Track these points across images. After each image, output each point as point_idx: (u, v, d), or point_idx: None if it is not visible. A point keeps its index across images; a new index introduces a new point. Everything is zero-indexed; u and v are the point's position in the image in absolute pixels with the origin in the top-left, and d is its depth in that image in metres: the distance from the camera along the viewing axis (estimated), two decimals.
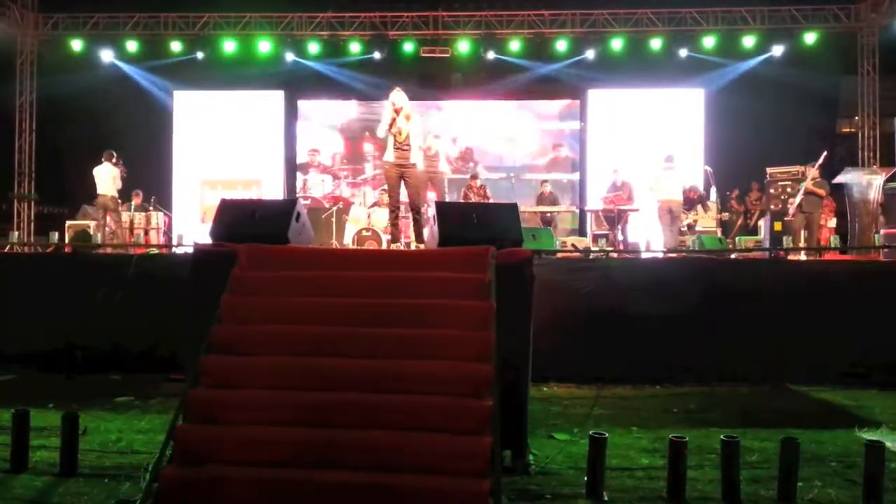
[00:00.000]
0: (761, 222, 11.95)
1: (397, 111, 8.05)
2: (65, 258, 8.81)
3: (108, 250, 9.62)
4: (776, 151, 11.43)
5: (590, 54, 13.97)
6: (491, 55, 14.07)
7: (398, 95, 8.14)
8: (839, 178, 9.88)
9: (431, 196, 12.35)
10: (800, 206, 10.01)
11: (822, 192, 10.07)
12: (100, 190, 11.21)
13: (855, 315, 6.78)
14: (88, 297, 7.09)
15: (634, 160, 13.33)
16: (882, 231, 9.23)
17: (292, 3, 14.18)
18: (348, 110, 15.22)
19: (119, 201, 11.56)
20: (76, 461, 4.36)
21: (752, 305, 6.87)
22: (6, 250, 9.88)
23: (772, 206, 10.56)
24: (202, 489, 3.59)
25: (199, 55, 14.22)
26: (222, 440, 3.79)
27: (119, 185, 11.31)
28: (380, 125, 8.23)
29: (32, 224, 14.90)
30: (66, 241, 10.90)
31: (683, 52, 13.75)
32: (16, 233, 13.16)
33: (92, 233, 10.78)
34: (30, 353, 7.14)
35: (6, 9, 13.79)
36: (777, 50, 13.51)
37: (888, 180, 9.94)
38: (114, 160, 11.29)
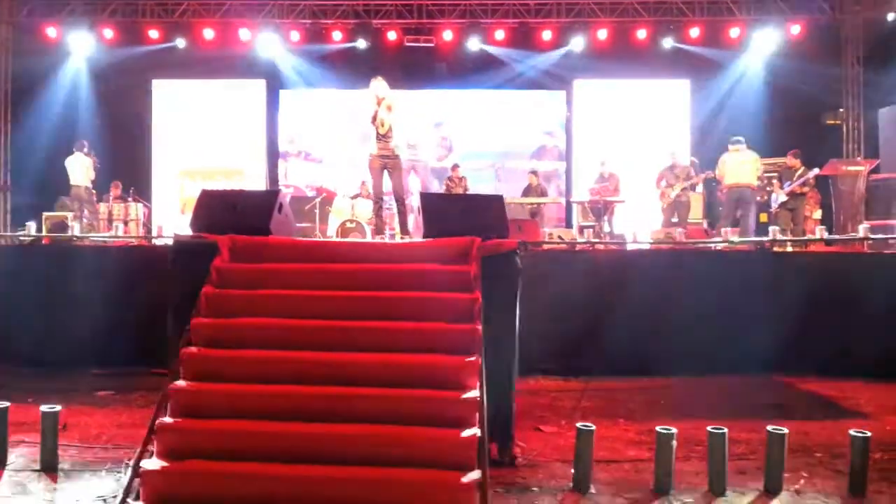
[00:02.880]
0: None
1: (379, 101, 7.97)
2: (42, 250, 8.65)
3: (86, 242, 9.46)
4: (761, 143, 11.44)
5: (575, 44, 13.91)
6: (475, 44, 13.98)
7: (379, 85, 8.05)
8: (824, 171, 9.93)
9: (416, 186, 12.30)
10: (783, 203, 10.08)
11: (805, 189, 10.12)
12: (73, 181, 11.04)
13: (840, 306, 6.82)
14: (67, 290, 6.97)
15: (621, 151, 13.34)
16: (866, 222, 9.28)
17: None
18: (330, 99, 15.07)
19: (94, 192, 11.38)
20: (57, 456, 4.30)
21: (738, 297, 6.89)
22: None
23: (757, 198, 10.58)
24: (184, 483, 3.53)
25: (178, 43, 13.99)
26: (204, 434, 3.73)
27: (92, 175, 11.13)
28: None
29: (8, 216, 14.63)
30: (44, 232, 10.72)
31: (669, 43, 13.74)
32: None
33: (69, 224, 10.60)
34: (8, 348, 7.01)
35: None
36: (762, 41, 13.52)
37: (872, 172, 10.02)
38: (85, 150, 11.10)
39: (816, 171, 9.92)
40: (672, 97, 14.42)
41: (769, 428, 4.09)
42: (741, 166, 10.01)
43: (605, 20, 13.73)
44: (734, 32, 13.57)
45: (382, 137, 7.99)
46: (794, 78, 12.92)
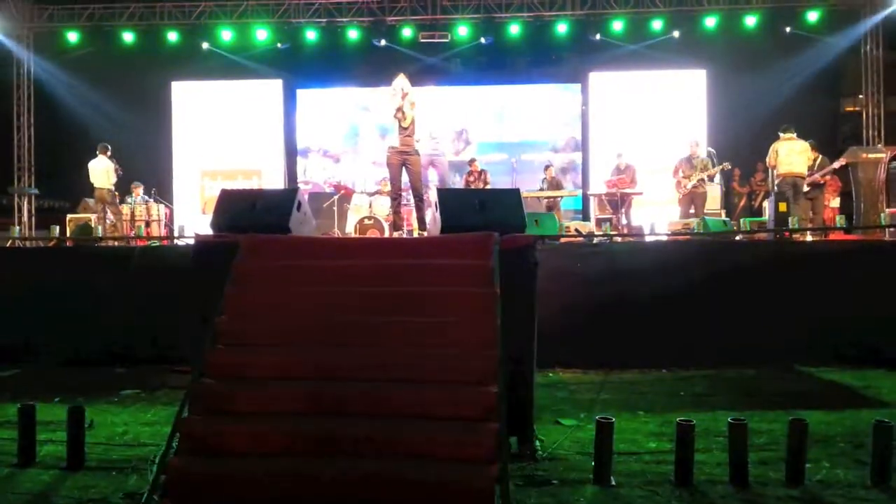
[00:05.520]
0: (766, 203, 11.90)
1: (403, 95, 8.02)
2: (67, 252, 8.79)
3: (110, 243, 9.60)
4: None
5: (590, 37, 13.84)
6: (490, 39, 13.95)
7: (402, 81, 8.12)
8: (844, 158, 9.82)
9: (433, 180, 12.31)
10: (804, 192, 9.95)
11: (826, 179, 10.00)
12: (96, 184, 11.18)
13: (862, 295, 6.75)
14: (91, 291, 7.07)
15: (637, 143, 13.27)
16: (887, 210, 9.18)
17: None
18: (346, 97, 15.15)
19: (116, 194, 11.53)
20: (83, 454, 4.37)
21: (758, 287, 6.84)
22: (8, 245, 9.89)
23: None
24: (209, 481, 3.58)
25: (196, 45, 14.12)
26: (228, 432, 3.78)
27: (114, 178, 11.27)
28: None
29: (33, 218, 14.88)
30: (68, 234, 10.88)
31: (685, 33, 13.61)
32: (17, 227, 13.16)
33: (93, 226, 10.76)
34: (34, 348, 7.14)
35: (1, 1, 13.69)
36: (779, 29, 13.36)
37: (893, 159, 9.88)
38: (108, 153, 11.25)
39: (842, 161, 9.81)
40: (688, 87, 14.31)
41: (790, 418, 4.07)
42: (794, 155, 9.76)
43: (619, 11, 13.63)
44: (751, 21, 13.42)
45: (404, 132, 8.03)
46: (812, 65, 12.77)
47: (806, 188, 10.06)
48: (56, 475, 4.20)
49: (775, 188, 10.02)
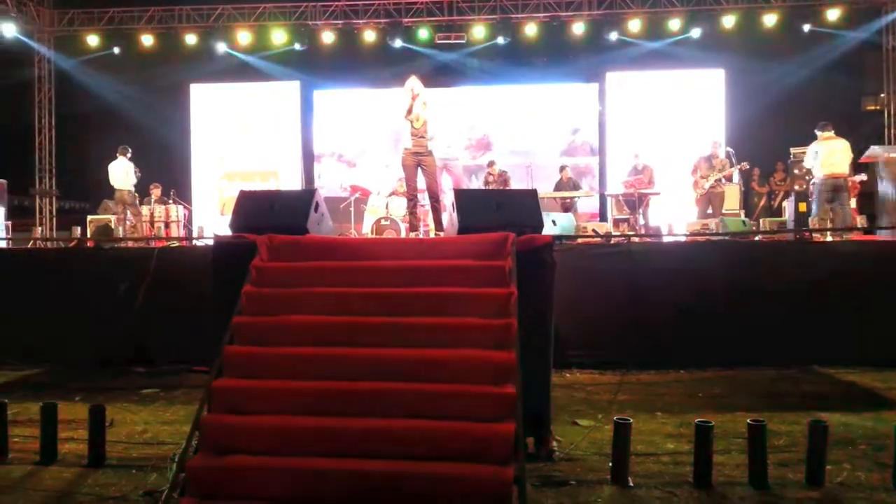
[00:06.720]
0: (786, 203, 11.79)
1: (414, 96, 8.03)
2: (87, 252, 8.88)
3: (130, 244, 9.70)
4: (799, 131, 11.23)
5: (607, 36, 13.78)
6: (506, 40, 13.94)
7: (415, 82, 8.13)
8: (866, 157, 9.69)
9: (448, 183, 12.33)
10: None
11: (853, 181, 9.88)
12: (116, 185, 11.30)
13: (882, 295, 6.67)
14: (111, 291, 7.14)
15: (655, 143, 13.21)
16: None
17: None
18: (363, 99, 15.19)
19: (136, 195, 11.65)
20: (104, 453, 4.42)
21: (777, 288, 6.77)
22: (29, 246, 10.02)
23: (796, 187, 10.38)
24: (228, 478, 3.61)
25: (214, 47, 14.24)
26: (247, 430, 3.81)
27: (134, 180, 11.39)
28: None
29: (54, 219, 15.08)
30: (88, 235, 11.00)
31: (703, 32, 13.51)
32: (38, 228, 13.35)
33: (113, 227, 10.87)
34: (55, 347, 7.22)
35: (23, 5, 13.88)
36: (799, 27, 13.22)
37: None
38: (128, 155, 11.37)
39: (863, 176, 9.64)
40: (707, 87, 14.21)
41: (810, 420, 4.04)
42: (836, 155, 9.24)
43: (637, 11, 13.57)
44: (770, 19, 13.29)
45: (416, 133, 8.04)
46: (832, 63, 12.63)
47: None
48: (77, 473, 4.26)
49: (814, 191, 9.53)
